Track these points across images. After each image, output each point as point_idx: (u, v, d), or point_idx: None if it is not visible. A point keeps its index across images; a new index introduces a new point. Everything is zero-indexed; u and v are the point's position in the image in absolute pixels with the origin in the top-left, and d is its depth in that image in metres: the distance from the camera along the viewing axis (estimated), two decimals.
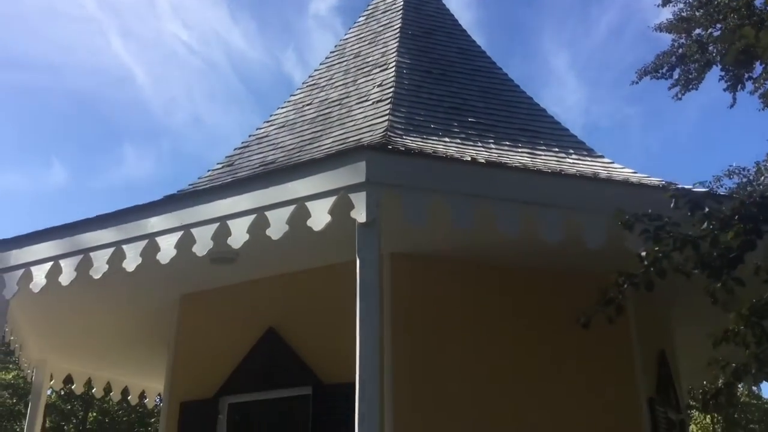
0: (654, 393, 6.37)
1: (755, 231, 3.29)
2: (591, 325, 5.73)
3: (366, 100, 7.38)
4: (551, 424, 5.76)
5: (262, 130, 8.08)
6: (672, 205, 3.55)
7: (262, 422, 6.30)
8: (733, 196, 3.38)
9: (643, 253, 3.47)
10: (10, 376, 28.65)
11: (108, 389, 9.43)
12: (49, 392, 29.42)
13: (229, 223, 4.91)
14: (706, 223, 3.37)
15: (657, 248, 3.40)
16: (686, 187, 3.52)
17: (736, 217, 3.33)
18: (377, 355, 4.31)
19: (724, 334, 3.50)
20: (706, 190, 3.43)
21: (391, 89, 7.26)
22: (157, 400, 10.69)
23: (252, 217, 4.84)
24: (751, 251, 3.30)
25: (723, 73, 13.95)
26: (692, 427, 39.36)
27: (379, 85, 7.53)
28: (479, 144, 6.70)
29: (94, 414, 32.24)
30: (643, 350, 6.37)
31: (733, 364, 3.54)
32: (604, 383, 6.04)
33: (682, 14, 14.34)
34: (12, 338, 7.04)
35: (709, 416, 44.84)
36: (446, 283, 6.03)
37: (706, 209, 3.44)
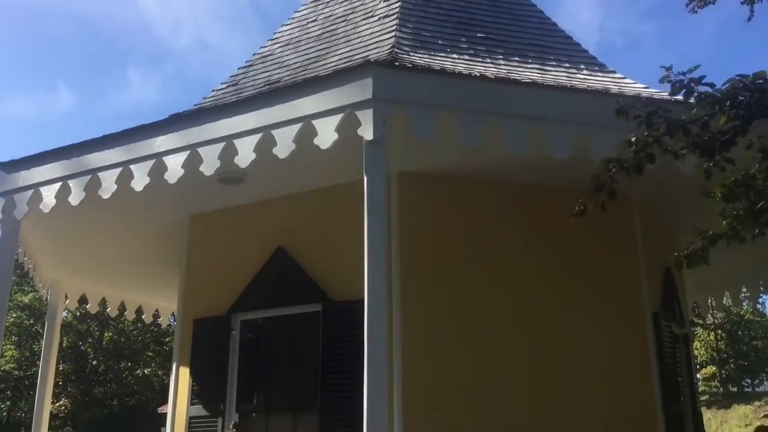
0: (659, 308, 6.46)
1: (747, 116, 3.38)
2: (598, 241, 5.82)
3: (372, 16, 7.19)
4: (557, 338, 5.88)
5: (266, 49, 7.92)
6: (668, 93, 3.65)
7: (273, 338, 6.47)
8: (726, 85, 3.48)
9: (633, 138, 3.56)
10: (27, 298, 29.33)
11: (122, 308, 9.64)
12: (65, 313, 30.28)
13: (236, 142, 4.89)
14: (696, 109, 3.49)
15: (647, 133, 3.48)
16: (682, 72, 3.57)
17: (728, 102, 3.41)
18: (385, 271, 4.36)
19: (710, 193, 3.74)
20: (701, 76, 3.49)
21: (398, 4, 7.07)
22: (171, 319, 10.96)
23: (258, 135, 4.81)
24: (742, 136, 3.43)
25: None
26: (696, 343, 40.18)
27: (385, 0, 7.33)
28: (488, 60, 6.56)
29: (110, 334, 33.16)
30: (649, 266, 6.42)
31: (710, 231, 3.88)
32: (611, 298, 6.14)
33: None
34: (26, 259, 7.14)
35: (712, 333, 45.76)
36: (454, 202, 6.04)
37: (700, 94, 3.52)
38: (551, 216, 6.09)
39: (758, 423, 35.12)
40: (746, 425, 35.62)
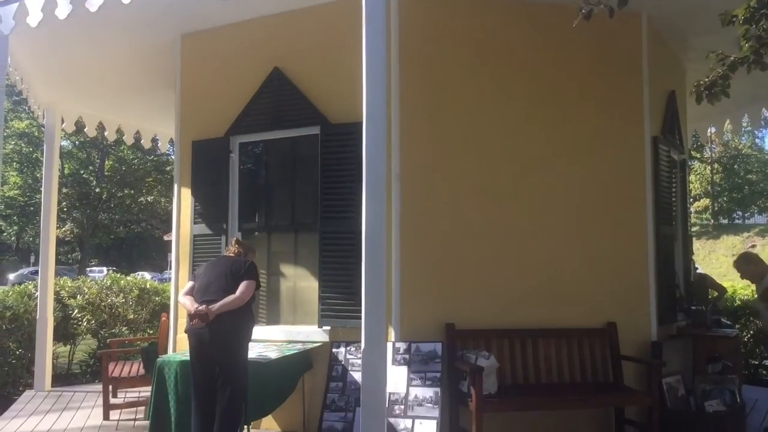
0: (659, 132, 6.44)
1: None
2: (603, 61, 5.64)
3: None
4: (554, 156, 5.92)
5: None
6: None
7: (272, 160, 6.51)
8: None
9: None
10: (23, 125, 29.22)
11: (120, 133, 9.60)
12: (65, 142, 30.21)
13: None
14: None
15: None
16: None
17: None
18: (384, 92, 4.27)
19: (731, 17, 3.55)
20: None
21: None
22: (170, 148, 10.97)
23: None
24: None
25: None
26: (691, 176, 40.74)
27: None
28: None
29: (111, 162, 33.47)
30: (653, 89, 6.32)
31: (732, 56, 3.68)
32: (612, 119, 6.10)
33: None
34: (18, 79, 7.00)
35: (708, 167, 46.32)
36: (455, 18, 5.80)
37: None
38: (556, 33, 5.91)
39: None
40: (732, 254, 37.14)
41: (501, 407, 5.21)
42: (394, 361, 5.40)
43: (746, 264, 5.93)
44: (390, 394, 5.23)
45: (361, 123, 4.22)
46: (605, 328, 5.87)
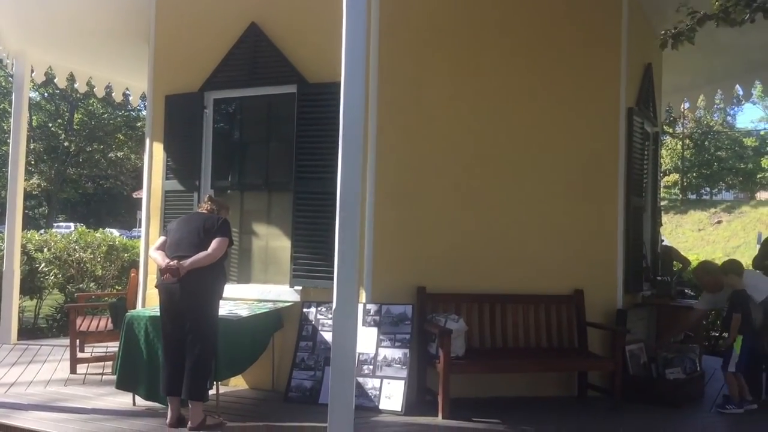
0: (634, 104, 6.49)
1: None
2: (582, 31, 5.65)
3: None
4: (529, 125, 5.96)
5: None
6: None
7: (247, 118, 6.42)
8: None
9: None
10: None
11: (91, 86, 9.39)
12: (35, 94, 29.42)
13: None
14: None
15: None
16: None
17: None
18: (363, 52, 4.23)
19: None
20: None
21: None
22: (141, 104, 10.77)
23: None
24: None
25: None
26: (662, 151, 41.28)
27: None
28: None
29: (80, 116, 32.77)
30: (631, 61, 6.35)
31: (701, 12, 3.87)
32: (588, 90, 6.14)
33: None
34: None
35: (679, 143, 46.91)
36: None
37: None
38: (536, 1, 5.90)
39: (710, 228, 37.31)
40: (699, 229, 37.94)
41: (467, 369, 5.31)
42: (365, 323, 5.45)
43: (705, 274, 6.07)
44: (359, 354, 5.28)
45: (339, 83, 4.19)
46: (572, 295, 5.98)
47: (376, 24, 5.53)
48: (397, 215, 5.63)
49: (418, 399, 5.41)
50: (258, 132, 6.36)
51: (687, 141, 47.36)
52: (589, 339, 5.92)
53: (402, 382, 5.20)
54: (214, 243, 4.64)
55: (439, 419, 4.99)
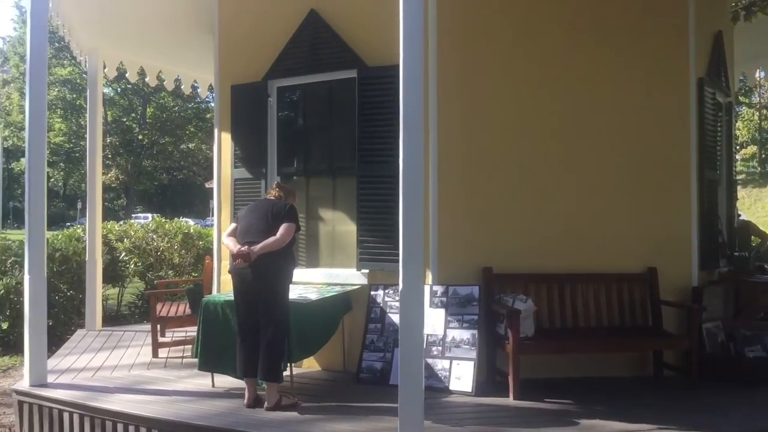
0: (704, 74, 6.24)
1: None
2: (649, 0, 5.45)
3: None
4: (598, 100, 5.83)
5: None
6: None
7: (310, 105, 6.51)
8: None
9: None
10: (66, 72, 29.56)
11: (160, 78, 9.68)
12: (108, 90, 30.53)
13: None
14: None
15: None
16: None
17: None
18: (421, 33, 4.21)
19: None
20: None
21: None
22: (209, 94, 11.03)
23: None
24: None
25: None
26: (738, 123, 39.50)
27: None
28: None
29: (152, 109, 33.81)
30: (699, 29, 6.10)
31: None
32: (655, 61, 5.94)
33: None
34: (59, 23, 7.07)
35: (756, 113, 44.78)
36: None
37: None
38: None
39: None
40: None
41: (538, 349, 5.27)
42: (432, 304, 5.47)
43: None
44: (428, 335, 5.32)
45: (399, 66, 4.18)
46: (645, 273, 5.83)
47: (434, 3, 5.50)
48: (462, 196, 5.61)
49: (488, 380, 5.41)
50: (321, 118, 6.44)
51: (764, 111, 45.12)
52: (664, 318, 5.77)
53: (471, 363, 5.21)
54: (282, 228, 4.75)
55: (510, 400, 4.98)
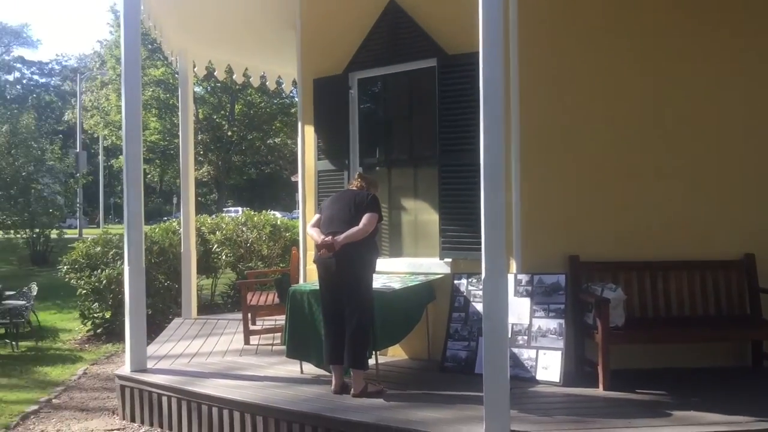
0: None
1: None
2: None
3: None
4: (695, 81, 5.59)
5: None
6: None
7: (390, 95, 6.54)
8: None
9: None
10: (159, 72, 30.81)
11: (247, 75, 9.95)
12: (199, 89, 31.62)
13: None
14: None
15: None
16: None
17: None
18: (500, 17, 4.15)
19: None
20: None
21: None
22: (293, 89, 11.25)
23: None
24: None
25: None
26: None
27: None
28: None
29: (240, 106, 34.81)
30: None
31: None
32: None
33: None
34: (150, 25, 7.39)
35: None
36: None
37: None
38: None
39: None
40: None
41: (628, 339, 5.12)
42: (517, 293, 5.41)
43: None
44: (513, 325, 5.27)
45: (479, 52, 4.14)
46: (742, 259, 5.56)
47: None
48: (547, 183, 5.50)
49: (577, 370, 5.31)
50: (401, 108, 6.46)
51: None
52: (763, 306, 5.48)
53: (559, 353, 5.13)
54: (364, 218, 4.81)
55: (599, 390, 4.87)
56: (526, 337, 5.30)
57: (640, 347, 5.35)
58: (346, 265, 4.78)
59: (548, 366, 5.12)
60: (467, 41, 5.27)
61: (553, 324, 5.23)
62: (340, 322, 4.85)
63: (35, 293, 9.78)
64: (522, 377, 5.11)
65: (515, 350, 5.23)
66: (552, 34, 5.53)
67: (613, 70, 5.55)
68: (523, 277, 5.45)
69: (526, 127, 5.45)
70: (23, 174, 15.90)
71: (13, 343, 8.84)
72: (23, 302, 9.37)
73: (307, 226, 5.33)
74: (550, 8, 5.51)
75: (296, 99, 11.81)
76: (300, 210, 7.14)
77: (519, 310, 5.36)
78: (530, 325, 5.32)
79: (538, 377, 5.11)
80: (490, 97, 4.08)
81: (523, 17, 5.43)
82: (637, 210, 5.54)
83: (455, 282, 5.78)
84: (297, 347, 5.33)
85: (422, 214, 6.29)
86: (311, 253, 6.25)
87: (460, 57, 5.66)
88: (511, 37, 5.38)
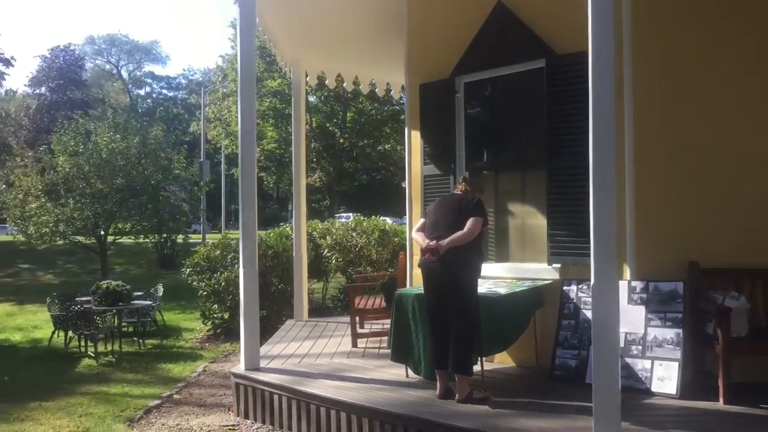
0: None
1: None
2: None
3: None
4: None
5: None
6: None
7: (497, 98, 6.47)
8: None
9: None
10: (276, 84, 31.98)
11: (357, 83, 10.16)
12: (313, 98, 32.52)
13: None
14: None
15: None
16: None
17: None
18: (610, 14, 4.01)
19: None
20: None
21: None
22: (402, 97, 11.35)
23: None
24: None
25: None
26: None
27: None
28: None
29: (351, 114, 35.52)
30: None
31: None
32: None
33: None
34: (265, 38, 7.70)
35: None
36: None
37: None
38: None
39: None
40: None
41: (752, 350, 4.80)
42: (630, 301, 5.19)
43: None
44: (626, 334, 5.06)
45: (587, 52, 4.01)
46: None
47: None
48: (663, 187, 5.24)
49: (695, 382, 5.01)
50: (508, 111, 6.37)
51: None
52: None
53: (676, 364, 4.87)
54: (469, 223, 4.78)
55: (719, 404, 4.58)
56: (640, 347, 5.06)
57: (764, 359, 4.97)
58: (451, 270, 4.76)
59: (664, 377, 4.87)
60: (578, 40, 5.07)
61: (669, 333, 4.97)
62: (444, 326, 4.84)
63: (161, 294, 10.43)
64: (636, 388, 4.89)
65: (629, 360, 5.01)
66: (669, 29, 5.27)
67: (738, 67, 5.22)
68: (638, 284, 5.22)
69: (643, 127, 5.23)
70: (152, 182, 16.93)
71: (140, 341, 9.45)
72: (150, 302, 10.00)
73: (413, 231, 5.36)
74: (667, 2, 5.26)
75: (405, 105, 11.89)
76: (407, 214, 7.18)
77: (633, 318, 5.13)
78: (645, 334, 5.08)
79: (654, 389, 4.87)
80: (600, 97, 3.95)
81: (637, 11, 5.21)
82: (763, 214, 5.17)
83: (564, 288, 5.62)
84: (400, 351, 5.37)
85: (529, 218, 6.16)
86: (417, 258, 6.27)
87: (571, 56, 5.51)
88: (624, 33, 5.18)
